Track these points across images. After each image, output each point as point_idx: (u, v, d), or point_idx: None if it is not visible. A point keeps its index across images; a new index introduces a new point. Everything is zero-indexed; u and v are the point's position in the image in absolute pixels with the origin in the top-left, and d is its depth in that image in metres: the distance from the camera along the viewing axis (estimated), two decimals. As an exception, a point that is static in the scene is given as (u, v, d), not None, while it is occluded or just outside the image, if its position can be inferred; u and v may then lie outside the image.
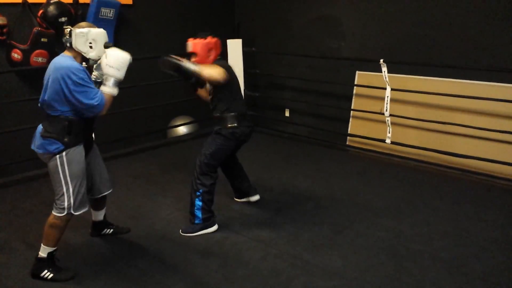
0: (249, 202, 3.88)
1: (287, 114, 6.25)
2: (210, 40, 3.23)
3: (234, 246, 3.22)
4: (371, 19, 5.22)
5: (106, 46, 2.73)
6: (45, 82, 2.68)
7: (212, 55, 3.26)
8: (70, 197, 2.72)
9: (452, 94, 4.51)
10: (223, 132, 3.30)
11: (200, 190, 3.29)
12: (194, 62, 3.14)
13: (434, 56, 4.76)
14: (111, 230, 3.38)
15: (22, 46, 4.19)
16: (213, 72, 3.08)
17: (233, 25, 6.38)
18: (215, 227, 3.42)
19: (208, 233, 3.39)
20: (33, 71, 4.43)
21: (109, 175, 3.15)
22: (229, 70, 3.22)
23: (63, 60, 2.64)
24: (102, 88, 2.72)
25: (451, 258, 3.06)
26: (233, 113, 3.29)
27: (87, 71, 2.69)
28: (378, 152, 5.18)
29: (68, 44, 2.67)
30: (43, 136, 2.71)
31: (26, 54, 4.20)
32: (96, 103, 2.61)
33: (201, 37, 3.24)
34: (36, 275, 2.82)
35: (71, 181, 2.71)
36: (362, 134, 5.29)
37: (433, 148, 4.68)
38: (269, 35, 6.19)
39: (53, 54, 4.43)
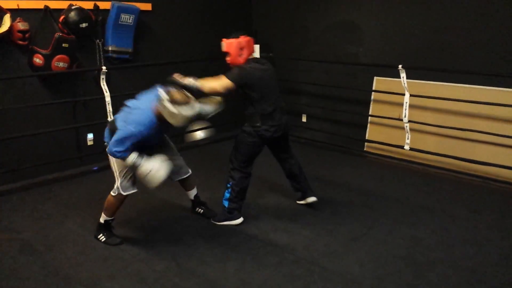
0: (266, 207, 3.88)
1: (304, 119, 6.24)
2: (241, 39, 3.32)
3: (251, 250, 3.22)
4: (390, 25, 5.18)
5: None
6: None
7: (244, 54, 3.35)
8: (120, 179, 3.19)
9: (472, 101, 4.45)
10: (246, 129, 3.46)
11: (230, 183, 3.51)
12: (195, 79, 3.28)
13: (454, 62, 4.70)
14: (202, 210, 3.80)
15: (43, 51, 4.27)
16: (214, 84, 3.27)
17: (250, 30, 6.39)
18: (238, 221, 3.59)
19: (233, 227, 3.56)
20: (54, 76, 4.51)
21: (183, 162, 3.56)
22: (246, 75, 3.30)
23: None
24: (130, 155, 2.97)
25: (471, 266, 3.01)
26: (256, 113, 3.39)
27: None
28: (396, 158, 5.13)
29: None
30: (108, 127, 3.24)
31: (48, 59, 4.27)
32: (121, 152, 2.97)
33: (234, 37, 3.34)
34: (95, 236, 3.38)
35: (117, 167, 3.17)
36: (380, 140, 5.24)
37: (453, 155, 4.62)
38: (286, 40, 6.20)
39: (74, 59, 4.51)
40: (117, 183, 3.20)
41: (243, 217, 3.64)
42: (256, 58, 3.49)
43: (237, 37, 3.33)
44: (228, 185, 3.53)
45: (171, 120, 2.98)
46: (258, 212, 3.82)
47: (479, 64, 4.53)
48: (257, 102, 3.36)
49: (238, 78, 3.29)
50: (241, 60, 3.35)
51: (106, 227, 3.36)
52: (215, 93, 3.29)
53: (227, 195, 3.55)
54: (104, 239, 3.33)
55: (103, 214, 3.32)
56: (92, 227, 3.53)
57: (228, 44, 3.34)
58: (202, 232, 3.50)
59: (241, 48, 3.33)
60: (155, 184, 3.01)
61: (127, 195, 3.24)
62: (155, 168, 2.98)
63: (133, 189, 3.26)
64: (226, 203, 3.56)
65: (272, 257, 3.13)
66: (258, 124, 3.39)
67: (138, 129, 2.95)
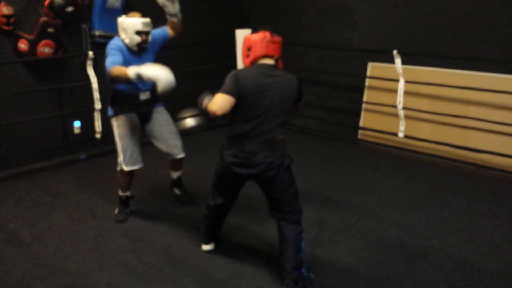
0: (258, 196, 3.81)
1: (297, 106, 6.17)
2: (253, 36, 2.60)
3: (242, 240, 3.19)
4: (384, 9, 5.11)
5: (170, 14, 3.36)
6: None
7: (251, 56, 2.60)
8: (120, 154, 3.30)
9: (468, 87, 4.41)
10: (220, 148, 2.70)
11: (208, 203, 2.92)
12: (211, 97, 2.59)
13: (450, 48, 4.65)
14: (179, 192, 3.79)
15: (28, 37, 4.18)
16: (212, 106, 2.48)
17: (242, 15, 6.30)
18: (206, 246, 3.04)
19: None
20: (39, 62, 4.40)
21: (179, 143, 3.49)
22: (238, 84, 2.49)
23: None
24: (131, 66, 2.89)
25: (464, 254, 3.01)
26: (229, 133, 2.62)
27: (128, 50, 3.16)
28: (390, 146, 5.10)
29: None
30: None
31: (33, 44, 4.19)
32: (107, 67, 2.97)
33: (254, 32, 2.66)
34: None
35: (120, 140, 3.28)
36: (374, 128, 5.20)
37: (447, 142, 4.59)
38: (279, 25, 6.11)
39: (59, 44, 4.40)
40: (119, 158, 3.31)
41: (232, 210, 3.08)
42: (268, 65, 2.59)
43: (255, 32, 2.65)
44: (207, 203, 2.92)
45: (124, 36, 3.13)
46: (249, 202, 3.77)
47: (475, 50, 4.49)
48: (236, 119, 2.57)
49: (232, 88, 2.49)
50: (246, 62, 2.66)
51: (121, 202, 3.54)
52: (218, 117, 2.52)
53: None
54: (116, 212, 3.53)
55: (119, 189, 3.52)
56: (80, 217, 3.48)
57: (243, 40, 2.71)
58: (193, 222, 3.44)
59: (248, 48, 2.61)
60: (167, 83, 2.70)
61: (131, 171, 3.35)
62: (160, 72, 2.72)
63: (134, 166, 3.33)
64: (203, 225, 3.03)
65: (263, 247, 3.10)
66: (224, 148, 2.64)
67: (114, 44, 3.12)
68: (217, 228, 3.03)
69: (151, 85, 3.28)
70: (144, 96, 3.30)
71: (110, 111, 3.29)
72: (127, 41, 3.14)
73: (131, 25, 3.11)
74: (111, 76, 2.98)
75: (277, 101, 2.53)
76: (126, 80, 2.96)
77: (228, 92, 2.48)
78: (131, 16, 3.16)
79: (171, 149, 3.48)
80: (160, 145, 3.46)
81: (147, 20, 3.17)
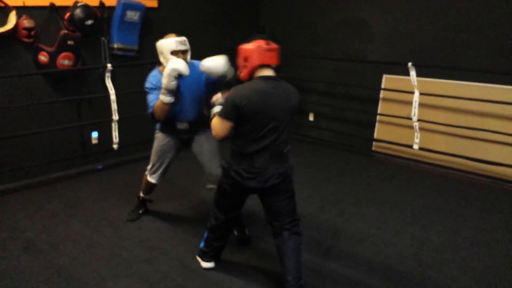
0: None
1: (311, 118, 6.18)
2: (245, 46, 2.50)
3: (256, 252, 3.18)
4: (399, 21, 5.11)
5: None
6: None
7: (248, 66, 2.49)
8: (149, 164, 3.45)
9: (483, 99, 4.37)
10: (223, 164, 2.69)
11: (208, 224, 2.90)
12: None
13: (465, 60, 4.62)
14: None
15: (49, 49, 4.25)
16: (213, 130, 2.54)
17: (257, 27, 6.35)
18: (204, 264, 2.98)
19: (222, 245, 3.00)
20: (59, 74, 4.48)
21: (216, 172, 3.23)
22: (237, 102, 2.39)
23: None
24: (160, 96, 3.00)
25: (480, 268, 2.96)
26: (236, 149, 2.57)
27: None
28: (405, 158, 5.06)
29: None
30: None
31: (53, 56, 4.25)
32: (149, 109, 3.10)
33: (249, 41, 2.54)
34: None
35: (153, 153, 3.41)
36: (388, 140, 5.18)
37: (463, 155, 4.54)
38: (294, 38, 6.15)
39: (79, 56, 4.48)
40: (148, 166, 3.46)
41: (246, 220, 3.50)
42: (268, 78, 2.48)
43: (250, 41, 2.52)
44: (208, 225, 2.89)
45: (162, 59, 3.06)
46: (262, 214, 3.76)
47: (491, 62, 4.45)
48: (242, 135, 2.50)
49: (229, 113, 2.43)
50: (244, 72, 2.52)
51: (139, 201, 3.72)
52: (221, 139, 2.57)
53: (205, 235, 2.95)
54: (132, 209, 3.74)
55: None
56: (96, 226, 3.51)
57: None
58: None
59: (244, 58, 2.49)
60: (178, 66, 2.86)
61: (152, 182, 3.48)
62: (168, 65, 2.90)
63: (154, 180, 3.46)
64: (201, 244, 3.00)
65: (277, 258, 3.08)
66: (231, 162, 2.60)
67: (149, 81, 3.12)
68: (223, 247, 2.99)
69: (189, 117, 3.22)
70: (181, 126, 3.25)
71: (156, 125, 3.36)
72: (165, 63, 3.01)
73: (165, 46, 3.02)
74: (155, 115, 3.07)
75: (284, 116, 2.50)
76: (167, 108, 3.02)
77: (225, 117, 2.45)
78: (166, 38, 3.06)
79: (206, 177, 3.36)
80: (204, 169, 3.37)
81: (182, 38, 3.06)
